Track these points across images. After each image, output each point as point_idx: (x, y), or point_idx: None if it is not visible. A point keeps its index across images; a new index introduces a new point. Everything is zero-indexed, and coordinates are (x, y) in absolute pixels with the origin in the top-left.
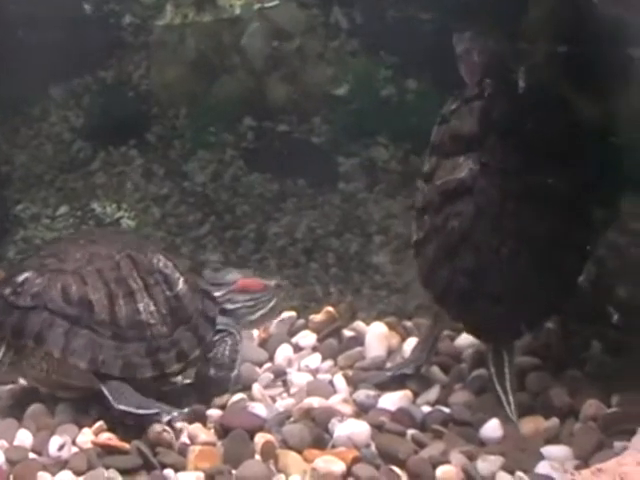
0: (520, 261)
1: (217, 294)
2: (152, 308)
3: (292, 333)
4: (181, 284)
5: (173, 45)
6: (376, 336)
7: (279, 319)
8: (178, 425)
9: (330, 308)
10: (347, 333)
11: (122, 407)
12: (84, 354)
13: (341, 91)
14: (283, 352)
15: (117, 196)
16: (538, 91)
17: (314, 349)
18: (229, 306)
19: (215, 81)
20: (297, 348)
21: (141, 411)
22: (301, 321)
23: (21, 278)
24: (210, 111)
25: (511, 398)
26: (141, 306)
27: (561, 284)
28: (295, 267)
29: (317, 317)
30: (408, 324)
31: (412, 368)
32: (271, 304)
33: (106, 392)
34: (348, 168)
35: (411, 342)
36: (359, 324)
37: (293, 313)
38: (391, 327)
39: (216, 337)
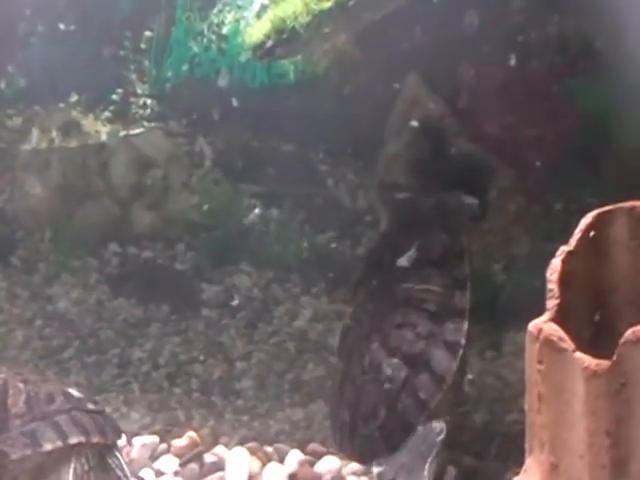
0: (365, 394)
1: None
2: None
3: (154, 458)
4: None
5: (38, 169)
6: (237, 461)
7: (141, 444)
8: None
9: (192, 433)
10: (209, 458)
11: None
12: None
13: (204, 219)
14: (145, 477)
15: None
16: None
17: (176, 474)
18: None
19: (80, 206)
20: (159, 473)
21: None
22: (163, 446)
23: None
24: (75, 236)
25: None
26: None
27: (401, 424)
28: (158, 392)
29: (179, 442)
30: (269, 449)
31: None
32: None
33: None
34: (211, 295)
35: (271, 467)
36: (221, 449)
37: (155, 438)
38: (252, 452)
39: None
